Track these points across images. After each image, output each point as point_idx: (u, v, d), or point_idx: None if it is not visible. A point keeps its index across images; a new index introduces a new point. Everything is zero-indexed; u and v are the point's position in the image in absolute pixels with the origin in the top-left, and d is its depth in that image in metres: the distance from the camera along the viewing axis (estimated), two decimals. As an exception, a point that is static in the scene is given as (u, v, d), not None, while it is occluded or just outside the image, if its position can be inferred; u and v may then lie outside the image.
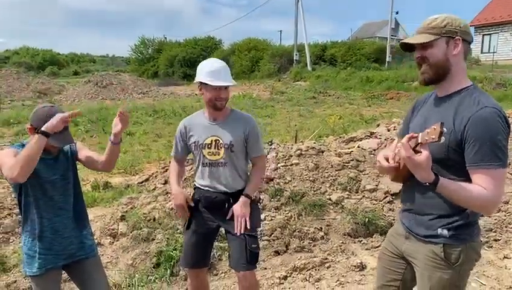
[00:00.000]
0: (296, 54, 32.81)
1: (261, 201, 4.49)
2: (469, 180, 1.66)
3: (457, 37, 1.71)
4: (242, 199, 2.56)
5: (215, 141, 2.58)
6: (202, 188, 2.66)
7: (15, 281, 3.49)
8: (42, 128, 2.00)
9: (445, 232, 1.75)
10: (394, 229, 2.09)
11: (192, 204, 2.66)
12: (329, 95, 19.85)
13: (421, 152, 1.59)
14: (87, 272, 2.37)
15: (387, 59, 30.51)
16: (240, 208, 2.53)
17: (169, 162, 5.47)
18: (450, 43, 1.71)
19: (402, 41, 1.82)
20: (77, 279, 2.43)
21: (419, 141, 1.58)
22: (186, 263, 2.77)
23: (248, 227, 2.51)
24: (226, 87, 2.53)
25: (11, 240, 4.31)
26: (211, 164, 2.60)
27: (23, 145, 2.18)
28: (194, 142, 2.62)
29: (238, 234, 2.50)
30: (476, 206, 1.67)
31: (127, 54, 54.13)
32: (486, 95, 1.72)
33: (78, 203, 2.36)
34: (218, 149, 2.57)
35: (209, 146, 2.58)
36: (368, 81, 23.61)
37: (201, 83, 2.52)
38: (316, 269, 3.72)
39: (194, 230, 2.68)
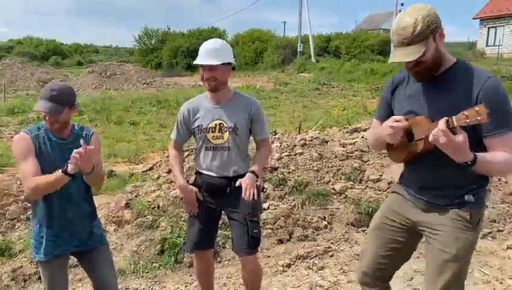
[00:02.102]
0: (300, 46, 32.59)
1: (264, 190, 4.51)
2: (481, 151, 1.72)
3: (440, 28, 1.76)
4: (248, 174, 2.48)
5: (219, 124, 2.55)
6: (204, 172, 2.63)
7: (21, 267, 3.53)
8: (68, 170, 1.97)
9: (471, 197, 1.84)
10: (398, 200, 2.11)
11: (202, 198, 2.63)
12: (333, 87, 19.77)
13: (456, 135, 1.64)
14: (98, 260, 2.35)
15: (392, 51, 30.30)
16: (246, 180, 2.44)
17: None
18: (436, 36, 1.75)
19: (395, 60, 1.78)
20: (85, 266, 2.42)
21: (455, 124, 1.61)
22: (190, 246, 2.76)
23: (255, 198, 2.44)
24: (210, 68, 2.47)
25: (16, 227, 4.35)
26: (215, 148, 2.57)
27: (38, 129, 2.18)
28: (198, 126, 2.59)
29: (247, 201, 2.41)
30: (503, 170, 1.83)
31: (130, 44, 53.95)
32: (476, 66, 1.84)
33: (88, 191, 2.34)
34: (222, 133, 2.54)
35: (213, 130, 2.55)
36: (372, 73, 23.46)
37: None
38: (319, 258, 3.73)
39: (197, 215, 2.68)
